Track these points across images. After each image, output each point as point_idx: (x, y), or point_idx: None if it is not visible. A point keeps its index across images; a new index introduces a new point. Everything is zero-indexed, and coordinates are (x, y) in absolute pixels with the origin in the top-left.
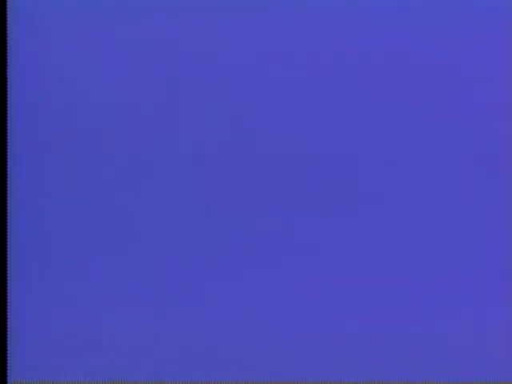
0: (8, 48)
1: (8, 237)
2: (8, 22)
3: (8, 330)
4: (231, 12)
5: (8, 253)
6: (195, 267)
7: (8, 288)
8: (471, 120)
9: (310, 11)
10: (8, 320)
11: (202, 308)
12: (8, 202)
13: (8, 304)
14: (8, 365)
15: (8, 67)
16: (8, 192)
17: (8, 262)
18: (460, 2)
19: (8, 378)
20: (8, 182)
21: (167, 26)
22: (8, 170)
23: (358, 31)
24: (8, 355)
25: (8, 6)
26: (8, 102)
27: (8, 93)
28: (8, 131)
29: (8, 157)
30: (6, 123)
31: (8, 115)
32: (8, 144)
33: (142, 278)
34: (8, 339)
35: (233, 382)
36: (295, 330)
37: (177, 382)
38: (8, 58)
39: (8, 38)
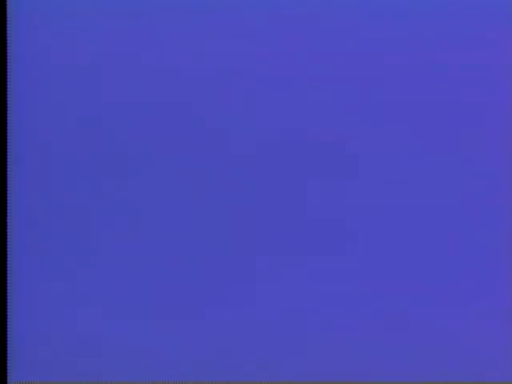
0: (8, 48)
1: (8, 237)
2: (8, 22)
3: (8, 329)
4: (231, 11)
5: (8, 253)
6: (196, 271)
7: (8, 288)
8: (471, 120)
9: (309, 8)
10: (8, 320)
11: (201, 307)
12: (8, 201)
13: (8, 304)
14: (8, 365)
15: (8, 67)
16: (8, 192)
17: (8, 262)
18: (460, 2)
19: (8, 378)
20: (8, 182)
21: (167, 25)
22: (8, 169)
23: (358, 30)
24: (8, 355)
25: (8, 6)
26: (8, 102)
27: (8, 92)
28: (8, 131)
29: (8, 156)
30: (6, 123)
31: (8, 115)
32: (8, 143)
33: (141, 279)
34: (8, 339)
35: (233, 382)
36: (295, 330)
37: (177, 382)
38: (8, 57)
39: (8, 38)
